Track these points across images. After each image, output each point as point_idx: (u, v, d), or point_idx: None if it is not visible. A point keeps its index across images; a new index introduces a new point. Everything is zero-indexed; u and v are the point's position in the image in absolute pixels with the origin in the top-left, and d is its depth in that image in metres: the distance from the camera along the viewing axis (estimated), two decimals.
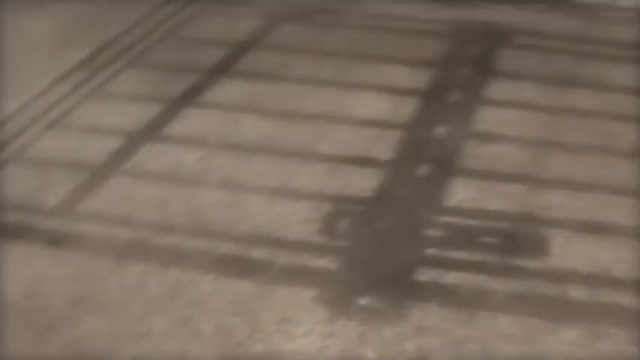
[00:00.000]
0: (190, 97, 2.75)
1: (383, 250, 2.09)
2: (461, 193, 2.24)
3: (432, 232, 2.12)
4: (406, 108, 2.59)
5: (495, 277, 1.99)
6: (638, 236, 2.07)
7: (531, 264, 2.02)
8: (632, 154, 2.35)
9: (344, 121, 2.55)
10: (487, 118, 2.52)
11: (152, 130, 2.60)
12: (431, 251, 2.07)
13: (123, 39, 3.15)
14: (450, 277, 2.00)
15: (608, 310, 1.90)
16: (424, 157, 2.38)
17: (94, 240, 2.20)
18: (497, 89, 2.65)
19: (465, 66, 2.79)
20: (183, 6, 3.34)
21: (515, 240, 2.09)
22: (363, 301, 1.96)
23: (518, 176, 2.28)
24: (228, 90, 2.77)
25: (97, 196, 2.35)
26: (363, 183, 2.30)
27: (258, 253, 2.11)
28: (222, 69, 2.88)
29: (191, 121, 2.63)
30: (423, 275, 2.01)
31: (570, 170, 2.29)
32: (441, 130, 2.48)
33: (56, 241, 2.20)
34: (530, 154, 2.36)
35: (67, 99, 2.79)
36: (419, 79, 2.72)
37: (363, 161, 2.38)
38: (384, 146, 2.43)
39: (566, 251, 2.05)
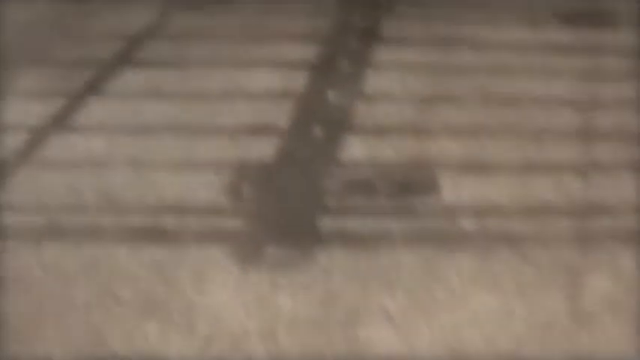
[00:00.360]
0: (92, 89, 2.85)
1: (287, 206, 2.24)
2: (355, 148, 2.40)
3: (331, 185, 2.28)
4: (299, 79, 2.74)
5: (393, 219, 2.15)
6: (518, 168, 2.26)
7: (424, 203, 2.19)
8: (508, 101, 2.55)
9: (241, 97, 2.69)
10: (374, 82, 2.69)
11: (58, 123, 2.69)
12: (331, 202, 2.23)
13: (20, 38, 3.24)
14: (351, 223, 2.16)
15: (497, 235, 2.09)
16: (319, 121, 2.53)
17: (10, 228, 2.29)
18: (383, 54, 2.83)
19: (352, 37, 2.96)
20: (78, 3, 3.44)
21: (408, 184, 2.26)
22: (272, 252, 2.10)
23: (406, 129, 2.45)
24: (129, 79, 2.88)
25: (9, 189, 2.44)
26: (263, 149, 2.44)
27: (169, 221, 2.22)
28: (122, 60, 2.99)
29: (95, 111, 2.73)
30: (325, 223, 2.16)
31: (453, 119, 2.48)
32: (332, 96, 2.64)
33: None
34: (416, 108, 2.54)
35: None
36: (308, 52, 2.87)
37: (262, 130, 2.52)
38: (280, 114, 2.57)
39: (455, 189, 2.23)
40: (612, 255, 1.99)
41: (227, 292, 2.00)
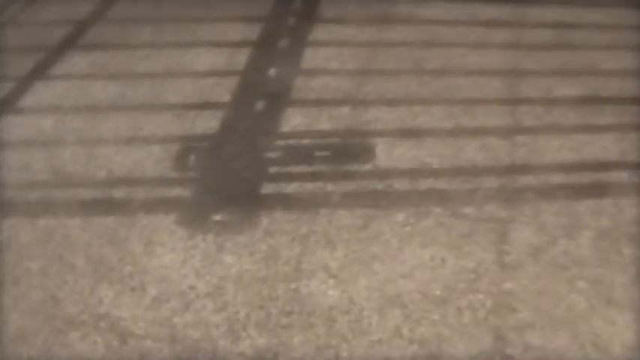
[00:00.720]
0: (40, 72, 2.92)
1: (230, 174, 2.35)
2: (295, 119, 2.52)
3: (272, 154, 2.39)
4: (241, 57, 2.84)
5: (331, 182, 2.28)
6: (448, 134, 2.40)
7: (360, 168, 2.32)
8: (440, 72, 2.69)
9: (185, 75, 2.79)
10: (313, 58, 2.81)
11: (6, 105, 2.78)
12: (273, 169, 2.35)
13: None
14: (292, 188, 2.28)
15: (429, 194, 2.23)
16: (260, 95, 2.65)
17: None
18: (321, 32, 2.95)
19: (291, 17, 3.07)
20: None
21: (345, 151, 2.39)
22: (217, 217, 2.21)
23: (343, 100, 2.57)
24: (76, 62, 2.96)
25: None
26: (208, 123, 2.55)
27: (119, 192, 2.33)
28: (68, 45, 3.06)
29: (43, 93, 2.81)
30: (268, 189, 2.28)
31: (388, 90, 2.60)
32: (273, 72, 2.75)
33: None
34: (352, 81, 2.66)
35: None
36: (249, 32, 2.98)
37: (205, 105, 2.63)
38: (224, 91, 2.68)
39: (389, 154, 2.36)
40: (535, 209, 2.14)
41: (176, 256, 2.11)
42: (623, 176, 2.22)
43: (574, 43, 2.73)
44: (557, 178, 2.22)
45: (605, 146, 2.30)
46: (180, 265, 2.09)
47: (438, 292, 1.94)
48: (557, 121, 2.41)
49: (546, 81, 2.57)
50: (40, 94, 2.81)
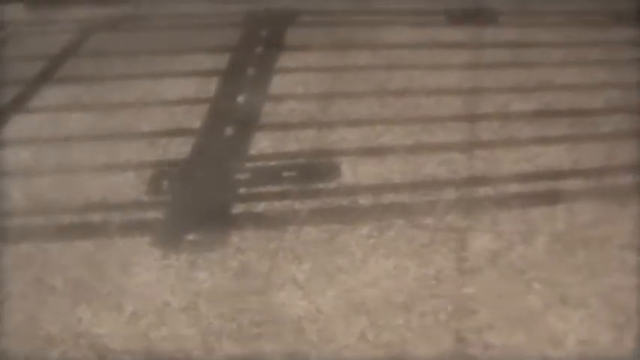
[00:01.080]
0: (17, 105, 3.03)
1: (202, 196, 2.45)
2: (263, 143, 2.63)
3: (241, 176, 2.50)
4: (210, 86, 2.95)
5: (298, 201, 2.38)
6: (409, 151, 2.51)
7: (326, 186, 2.42)
8: (402, 93, 2.80)
9: (158, 105, 2.90)
10: (280, 84, 2.92)
11: None
12: (242, 190, 2.45)
13: None
14: (261, 207, 2.38)
15: (392, 208, 2.33)
16: (229, 121, 2.75)
17: None
18: (288, 60, 3.07)
19: (258, 46, 3.19)
20: None
21: (311, 170, 2.49)
22: (190, 237, 2.31)
23: (309, 123, 2.69)
24: (52, 95, 3.06)
25: None
26: (180, 149, 2.65)
27: (96, 217, 2.42)
28: (44, 78, 3.17)
29: (21, 126, 2.91)
30: (238, 209, 2.38)
31: (352, 112, 2.72)
32: (241, 99, 2.86)
33: None
34: (317, 105, 2.77)
35: None
36: (219, 62, 3.09)
37: (177, 132, 2.73)
38: (194, 118, 2.78)
39: (354, 172, 2.46)
40: (493, 218, 2.25)
41: (151, 274, 2.21)
42: (576, 184, 2.34)
43: (529, 61, 2.86)
44: (513, 188, 2.34)
45: (559, 156, 2.42)
46: (156, 283, 2.18)
47: (401, 299, 2.04)
48: (513, 135, 2.53)
49: (503, 97, 2.69)
50: (18, 126, 2.91)
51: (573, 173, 2.37)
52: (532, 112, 2.61)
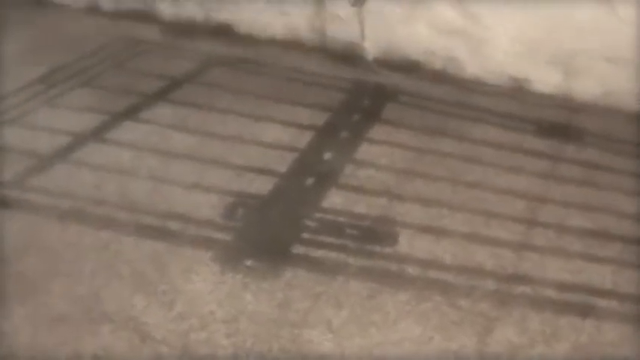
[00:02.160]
0: (130, 113, 3.37)
1: (268, 231, 2.69)
2: (336, 199, 2.86)
3: (309, 222, 2.73)
4: (303, 138, 3.21)
5: (353, 256, 2.59)
6: (465, 237, 2.70)
7: (381, 249, 2.63)
8: (472, 185, 2.99)
9: (252, 143, 3.17)
10: (366, 151, 3.15)
11: (95, 135, 3.21)
12: (305, 235, 2.68)
13: (78, 64, 3.79)
14: (318, 254, 2.60)
15: (434, 283, 2.51)
16: (311, 173, 3.00)
17: (38, 205, 2.77)
18: (379, 132, 3.30)
19: (356, 113, 3.44)
20: (133, 45, 4.01)
21: (372, 233, 2.70)
22: (248, 262, 2.55)
23: (382, 192, 2.90)
24: (162, 112, 3.38)
25: (45, 176, 2.93)
26: (261, 186, 2.91)
27: (173, 225, 2.70)
28: (159, 96, 3.51)
29: (128, 131, 3.24)
30: (298, 250, 2.61)
31: (424, 191, 2.92)
32: (328, 156, 3.10)
33: (5, 204, 2.78)
34: (395, 178, 2.99)
35: (27, 104, 3.40)
36: (317, 119, 3.35)
37: (263, 171, 2.99)
38: (282, 163, 3.04)
39: (410, 244, 2.66)
40: (523, 315, 2.41)
41: (205, 285, 2.45)
42: (610, 304, 2.47)
43: (599, 183, 3.01)
44: (549, 293, 2.49)
45: (601, 275, 2.56)
46: (207, 294, 2.42)
47: None
48: (564, 246, 2.68)
49: (564, 211, 2.85)
50: (126, 131, 3.24)
51: (610, 294, 2.51)
52: (587, 230, 2.76)
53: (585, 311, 2.44)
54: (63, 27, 4.24)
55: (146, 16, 4.18)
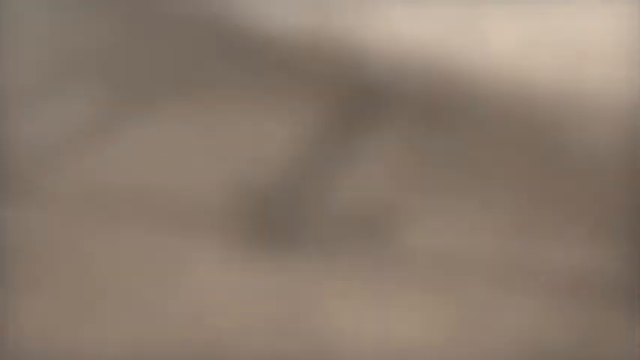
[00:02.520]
0: (137, 106, 3.35)
1: (275, 221, 2.68)
2: (340, 191, 2.85)
3: (315, 214, 2.72)
4: (309, 130, 3.21)
5: (358, 249, 2.58)
6: (480, 230, 2.69)
7: (386, 243, 2.62)
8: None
9: (259, 133, 3.17)
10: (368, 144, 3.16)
11: (101, 127, 3.18)
12: (312, 226, 2.67)
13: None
14: (323, 245, 2.58)
15: (444, 278, 2.50)
16: (318, 165, 2.99)
17: (48, 199, 2.75)
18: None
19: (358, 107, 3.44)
20: None
21: (377, 226, 2.69)
22: (252, 252, 2.52)
23: (386, 184, 2.90)
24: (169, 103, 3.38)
25: (54, 170, 2.91)
26: (267, 177, 2.90)
27: (178, 214, 2.68)
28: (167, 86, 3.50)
29: (135, 123, 3.22)
30: (303, 240, 2.59)
31: (430, 183, 2.92)
32: (333, 148, 3.11)
33: (15, 198, 2.75)
34: (397, 170, 2.98)
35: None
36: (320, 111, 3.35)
37: (270, 161, 2.99)
38: (288, 154, 3.04)
39: (417, 237, 2.65)
40: None
41: (210, 274, 2.43)
42: None
43: None
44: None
45: None
46: (212, 282, 2.39)
47: None
48: None
49: None
50: (133, 123, 3.23)
51: None
52: None
53: None
54: None
55: None
